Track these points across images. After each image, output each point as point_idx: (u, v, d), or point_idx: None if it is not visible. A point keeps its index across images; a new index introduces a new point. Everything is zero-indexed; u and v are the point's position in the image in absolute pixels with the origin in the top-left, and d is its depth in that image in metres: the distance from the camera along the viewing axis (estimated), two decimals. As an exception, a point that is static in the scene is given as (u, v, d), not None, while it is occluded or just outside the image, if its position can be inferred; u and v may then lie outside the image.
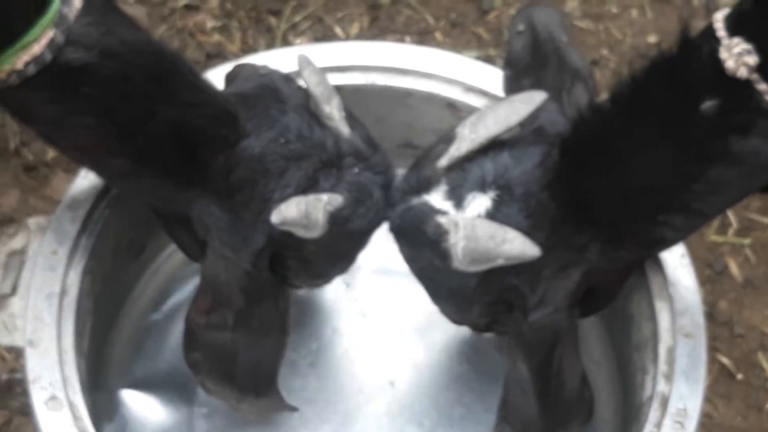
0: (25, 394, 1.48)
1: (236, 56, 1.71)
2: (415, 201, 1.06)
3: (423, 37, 1.76)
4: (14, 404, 1.50)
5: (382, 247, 1.20)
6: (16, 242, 1.22)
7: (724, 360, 1.54)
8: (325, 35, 1.77)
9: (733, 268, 1.63)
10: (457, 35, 1.79)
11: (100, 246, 1.23)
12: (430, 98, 1.34)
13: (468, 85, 1.33)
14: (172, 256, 1.41)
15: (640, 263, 1.17)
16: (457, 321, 1.23)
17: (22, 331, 1.17)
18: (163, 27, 1.78)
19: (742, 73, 0.87)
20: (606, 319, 1.37)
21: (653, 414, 1.15)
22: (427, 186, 1.06)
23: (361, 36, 1.75)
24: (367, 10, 1.81)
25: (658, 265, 1.22)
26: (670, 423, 1.13)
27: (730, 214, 1.66)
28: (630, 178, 0.97)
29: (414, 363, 1.35)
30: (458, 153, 1.05)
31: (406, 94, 1.35)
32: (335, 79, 1.33)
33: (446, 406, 1.32)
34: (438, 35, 1.79)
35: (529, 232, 1.01)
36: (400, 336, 1.36)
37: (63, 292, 1.18)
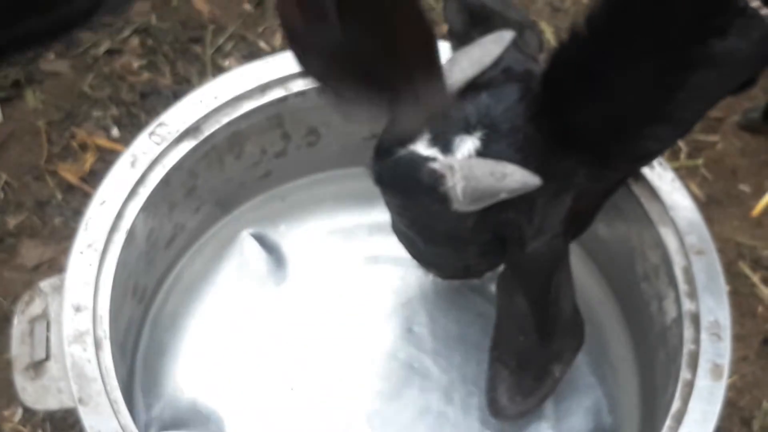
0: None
1: (171, 89, 1.71)
2: (402, 152, 1.06)
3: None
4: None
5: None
6: (35, 308, 1.21)
7: (710, 276, 1.60)
8: (252, 52, 1.78)
9: (694, 188, 1.69)
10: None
11: (114, 294, 1.23)
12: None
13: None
14: (170, 295, 1.41)
15: (622, 182, 1.21)
16: (446, 270, 1.28)
17: (67, 392, 1.16)
18: (90, 76, 1.77)
19: None
20: (601, 259, 1.42)
21: (687, 332, 1.20)
22: (411, 136, 1.06)
23: (285, 46, 1.76)
24: (286, 19, 1.82)
25: (653, 194, 1.28)
26: (707, 336, 1.19)
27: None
28: (613, 96, 1.00)
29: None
30: None
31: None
32: (298, 86, 1.36)
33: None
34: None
35: (522, 164, 1.03)
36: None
37: (97, 346, 1.18)
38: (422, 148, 1.05)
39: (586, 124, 1.03)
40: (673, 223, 1.26)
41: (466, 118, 1.04)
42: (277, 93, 1.35)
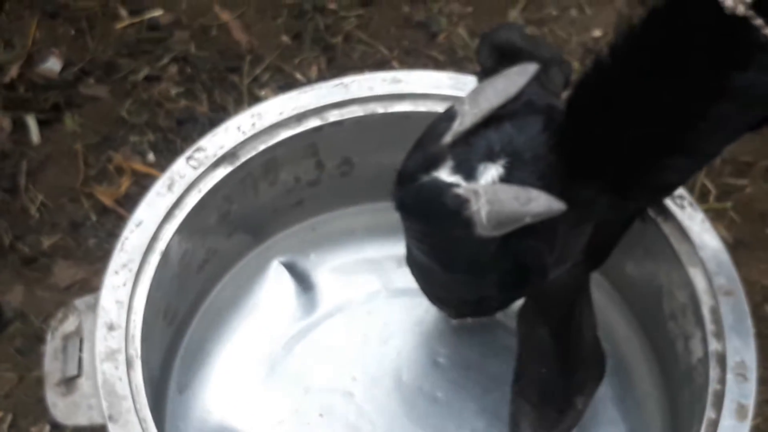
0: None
1: (207, 117, 1.74)
2: (425, 178, 1.07)
3: (381, 68, 1.80)
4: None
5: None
6: (68, 325, 1.23)
7: (735, 318, 1.60)
8: (288, 83, 1.80)
9: (722, 232, 1.69)
10: (412, 61, 1.84)
11: (147, 315, 1.25)
12: (428, 117, 1.39)
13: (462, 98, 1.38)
14: (202, 320, 1.43)
15: (641, 214, 1.21)
16: (457, 306, 1.30)
17: (97, 409, 1.18)
18: (128, 101, 1.80)
19: (740, 10, 0.92)
20: (628, 296, 1.43)
21: (713, 372, 1.21)
22: (434, 163, 1.07)
23: (321, 78, 1.79)
24: (321, 52, 1.85)
25: (683, 234, 1.29)
26: (733, 377, 1.19)
27: (707, 182, 1.74)
28: (634, 126, 1.01)
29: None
30: (462, 128, 1.07)
31: (404, 118, 1.39)
32: (334, 116, 1.39)
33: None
34: (395, 64, 1.84)
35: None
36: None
37: (128, 365, 1.20)
38: (445, 174, 1.06)
39: (607, 152, 1.04)
40: (702, 264, 1.27)
41: (490, 146, 1.06)
42: (312, 122, 1.37)
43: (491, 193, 1.03)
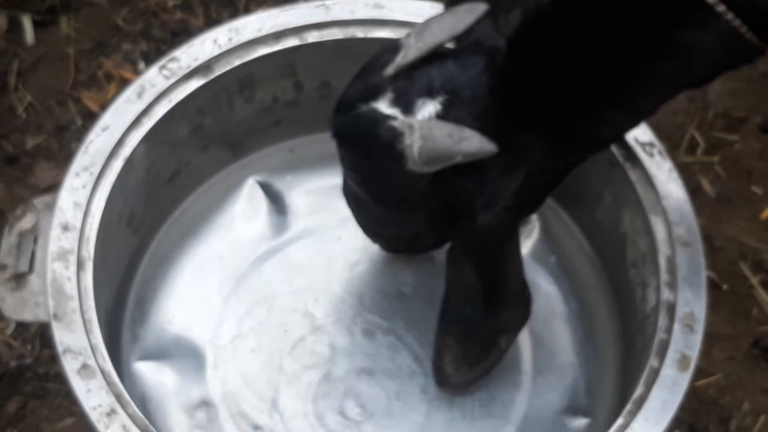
0: (36, 377, 1.52)
1: (202, 30, 1.73)
2: (363, 108, 1.07)
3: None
4: (27, 389, 1.52)
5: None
6: (25, 222, 1.24)
7: (708, 272, 1.57)
8: (286, 1, 1.78)
9: (706, 185, 1.69)
10: (412, -9, 1.82)
11: (106, 219, 1.26)
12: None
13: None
14: (170, 230, 1.44)
15: (575, 166, 1.20)
16: (390, 240, 1.31)
17: (44, 306, 1.19)
18: (125, 10, 1.80)
19: None
20: (597, 242, 1.43)
21: (662, 321, 1.20)
22: (374, 93, 1.07)
23: None
24: (320, -27, 1.84)
25: (649, 182, 1.28)
26: (680, 327, 1.19)
27: (697, 135, 1.72)
28: (573, 76, 1.01)
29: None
30: (404, 61, 1.06)
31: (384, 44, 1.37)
32: (313, 36, 1.38)
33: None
34: (396, -8, 1.82)
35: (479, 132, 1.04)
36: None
37: (80, 266, 1.21)
38: (384, 106, 1.06)
39: (545, 100, 1.03)
40: (663, 213, 1.26)
41: (430, 82, 1.05)
42: (291, 41, 1.36)
43: (425, 129, 1.03)
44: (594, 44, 0.98)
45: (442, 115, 1.04)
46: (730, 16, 0.91)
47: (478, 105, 1.04)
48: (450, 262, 1.19)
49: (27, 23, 1.78)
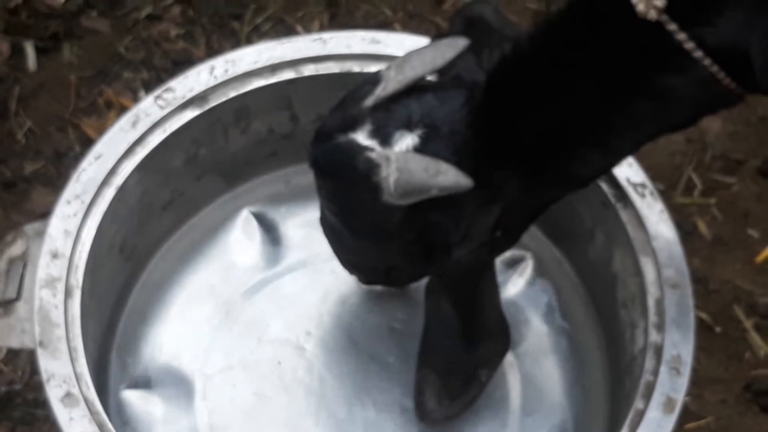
0: (25, 403, 1.52)
1: (203, 61, 1.74)
2: (341, 138, 1.08)
3: (383, 30, 1.78)
4: (16, 414, 1.52)
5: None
6: (15, 249, 1.24)
7: (702, 315, 1.59)
8: (287, 34, 1.79)
9: (702, 227, 1.69)
10: (415, 26, 1.83)
11: (97, 247, 1.26)
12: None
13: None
14: (163, 258, 1.44)
15: (551, 204, 1.20)
16: (366, 273, 1.31)
17: (30, 333, 1.19)
18: (128, 38, 1.81)
19: (652, 15, 0.91)
20: (589, 281, 1.42)
21: (648, 363, 1.20)
22: (352, 125, 1.07)
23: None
24: (325, 8, 1.85)
25: (640, 223, 1.28)
26: (666, 369, 1.18)
27: (694, 176, 1.72)
28: (551, 114, 1.01)
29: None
30: (384, 93, 1.07)
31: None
32: (309, 70, 1.39)
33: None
34: (397, 26, 1.83)
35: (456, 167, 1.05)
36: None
37: (67, 294, 1.21)
38: (362, 137, 1.06)
39: (522, 136, 1.03)
40: (653, 254, 1.25)
41: (409, 115, 1.06)
42: (287, 74, 1.37)
43: (402, 161, 1.04)
44: (569, 83, 0.99)
45: (420, 149, 1.05)
46: (707, 61, 0.92)
47: (455, 139, 1.05)
48: (428, 296, 1.20)
49: (30, 49, 1.79)
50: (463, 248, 1.09)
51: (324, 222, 1.22)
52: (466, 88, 1.07)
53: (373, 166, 1.04)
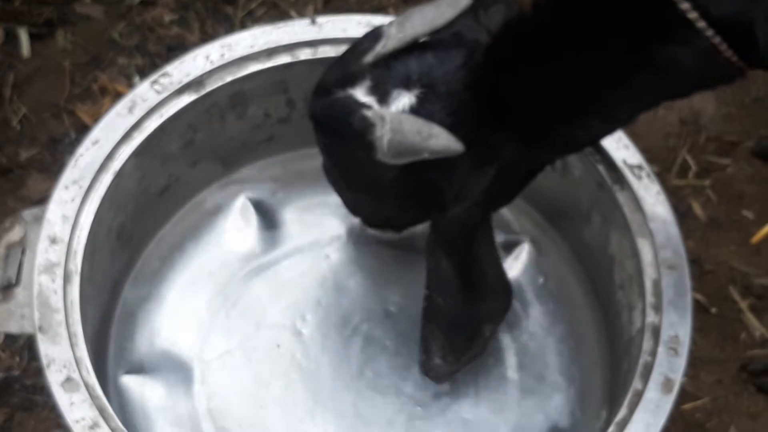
0: (23, 389, 1.52)
1: (197, 46, 1.74)
2: (340, 94, 1.09)
3: (378, 13, 1.78)
4: (14, 401, 1.52)
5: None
6: (13, 235, 1.24)
7: (698, 296, 1.59)
8: (282, 19, 1.78)
9: (697, 208, 1.69)
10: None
11: (95, 232, 1.26)
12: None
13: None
14: (160, 244, 1.44)
15: (547, 164, 1.22)
16: (361, 213, 1.31)
17: (29, 318, 1.19)
18: (121, 24, 1.80)
19: None
20: (585, 263, 1.43)
21: (646, 343, 1.21)
22: (352, 80, 1.08)
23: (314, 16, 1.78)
24: (320, -8, 1.85)
25: (636, 204, 1.28)
26: (664, 350, 1.19)
27: (689, 158, 1.73)
28: (552, 81, 1.02)
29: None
30: (384, 50, 1.08)
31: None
32: (305, 54, 1.39)
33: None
34: (391, 11, 1.83)
35: (451, 129, 1.05)
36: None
37: (66, 279, 1.21)
38: (360, 93, 1.07)
39: (522, 102, 1.04)
40: (650, 235, 1.26)
41: (408, 74, 1.06)
42: (283, 59, 1.37)
43: (396, 122, 1.04)
44: (574, 54, 0.99)
45: (416, 109, 1.05)
46: (710, 32, 0.92)
47: (453, 101, 1.05)
48: (428, 254, 1.21)
49: (23, 36, 1.79)
50: (456, 206, 1.10)
51: (326, 170, 1.23)
52: (466, 47, 1.07)
53: (368, 125, 1.05)
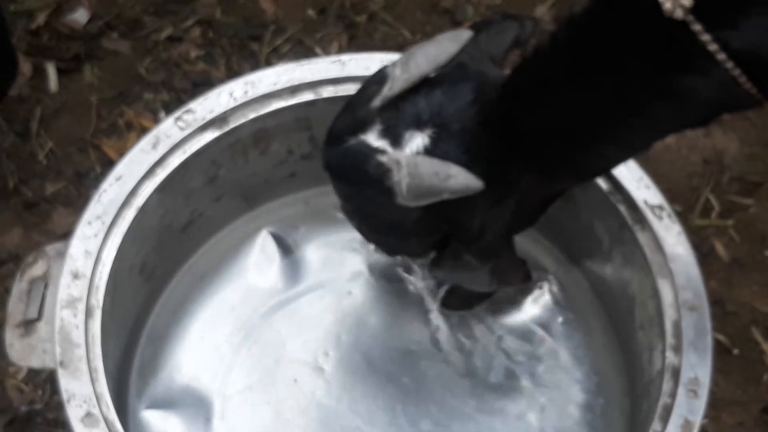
0: (45, 423, 1.53)
1: (222, 82, 1.75)
2: (353, 141, 1.08)
3: (401, 51, 1.79)
4: (36, 434, 1.53)
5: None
6: (37, 269, 1.25)
7: (720, 337, 1.59)
8: (306, 56, 1.80)
9: (720, 248, 1.69)
10: (433, 47, 1.84)
11: (117, 267, 1.27)
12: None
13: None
14: (183, 279, 1.45)
15: (566, 191, 1.21)
16: (384, 249, 1.30)
17: (51, 353, 1.20)
18: (148, 59, 1.82)
19: (678, 14, 0.90)
20: (607, 303, 1.42)
21: (666, 385, 1.20)
22: (362, 126, 1.07)
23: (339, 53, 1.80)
24: (344, 29, 1.86)
25: (657, 245, 1.28)
26: (684, 392, 1.18)
27: (712, 198, 1.72)
28: (568, 111, 1.01)
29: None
30: (391, 92, 1.07)
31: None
32: (328, 92, 1.40)
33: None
34: (415, 48, 1.84)
35: (467, 166, 1.04)
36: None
37: (88, 314, 1.22)
38: (372, 138, 1.07)
39: (537, 133, 1.03)
40: (671, 276, 1.26)
41: (418, 113, 1.06)
42: (306, 96, 1.37)
43: (412, 166, 1.04)
44: (593, 84, 0.98)
45: (431, 149, 1.05)
46: (730, 65, 0.91)
47: (466, 138, 1.05)
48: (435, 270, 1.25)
49: (51, 71, 1.81)
50: (479, 242, 1.11)
51: (345, 213, 1.22)
52: (473, 81, 1.07)
53: (384, 171, 1.05)
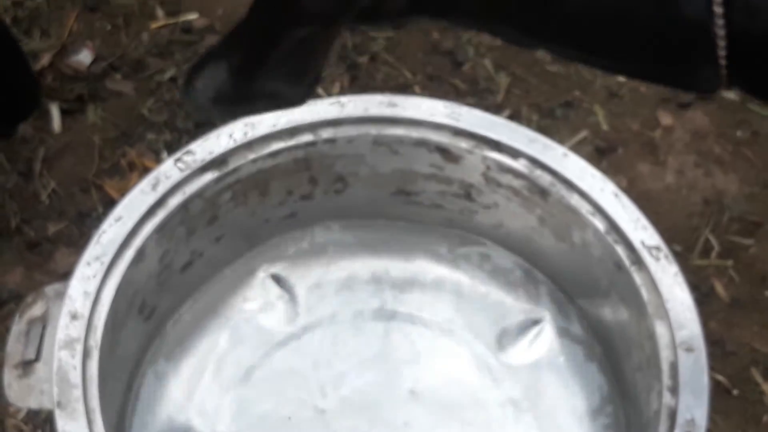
0: (45, 463, 1.54)
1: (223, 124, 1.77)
2: None
3: (402, 92, 1.80)
4: (35, 475, 1.54)
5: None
6: (36, 310, 1.26)
7: (719, 377, 1.58)
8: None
9: (719, 289, 1.68)
10: (435, 88, 1.85)
11: (116, 308, 1.27)
12: (420, 143, 1.40)
13: (456, 129, 1.39)
14: (182, 318, 1.45)
15: None
16: None
17: (49, 394, 1.20)
18: (151, 100, 1.83)
19: None
20: (605, 343, 1.42)
21: (662, 426, 1.20)
22: None
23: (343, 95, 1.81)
24: (346, 70, 1.87)
25: (653, 285, 1.28)
26: (680, 434, 1.19)
27: (711, 238, 1.72)
28: None
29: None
30: None
31: (398, 142, 1.40)
32: (328, 133, 1.41)
33: None
34: (417, 89, 1.85)
35: None
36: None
37: (86, 355, 1.22)
38: None
39: None
40: (667, 317, 1.26)
41: None
42: (305, 137, 1.38)
43: None
44: None
45: None
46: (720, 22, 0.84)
47: None
48: None
49: (55, 111, 1.82)
50: None
51: None
52: None
53: None
